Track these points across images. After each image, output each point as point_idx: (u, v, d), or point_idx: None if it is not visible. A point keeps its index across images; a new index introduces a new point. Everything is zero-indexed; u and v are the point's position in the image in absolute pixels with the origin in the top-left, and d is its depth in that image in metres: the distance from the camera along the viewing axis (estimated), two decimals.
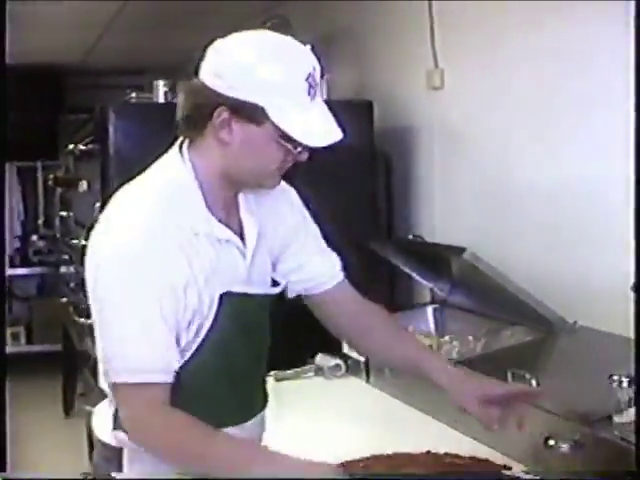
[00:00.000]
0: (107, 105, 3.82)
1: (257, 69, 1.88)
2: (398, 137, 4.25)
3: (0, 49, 3.21)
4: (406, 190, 4.25)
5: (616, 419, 2.13)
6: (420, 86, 4.00)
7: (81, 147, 4.32)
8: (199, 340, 2.01)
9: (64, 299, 5.69)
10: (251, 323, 2.13)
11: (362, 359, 3.53)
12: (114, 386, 1.99)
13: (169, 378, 1.96)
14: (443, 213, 3.99)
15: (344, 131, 2.00)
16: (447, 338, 3.07)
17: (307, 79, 1.93)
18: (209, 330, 2.00)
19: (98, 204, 3.95)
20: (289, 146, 1.96)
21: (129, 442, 2.04)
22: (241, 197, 2.13)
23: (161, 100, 4.06)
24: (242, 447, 2.01)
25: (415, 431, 2.77)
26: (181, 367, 1.99)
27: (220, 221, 2.04)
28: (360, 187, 4.13)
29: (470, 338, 3.00)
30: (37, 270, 8.81)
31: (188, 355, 2.01)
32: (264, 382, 2.32)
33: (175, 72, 8.11)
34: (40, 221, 8.93)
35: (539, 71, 3.25)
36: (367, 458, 2.48)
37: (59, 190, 6.32)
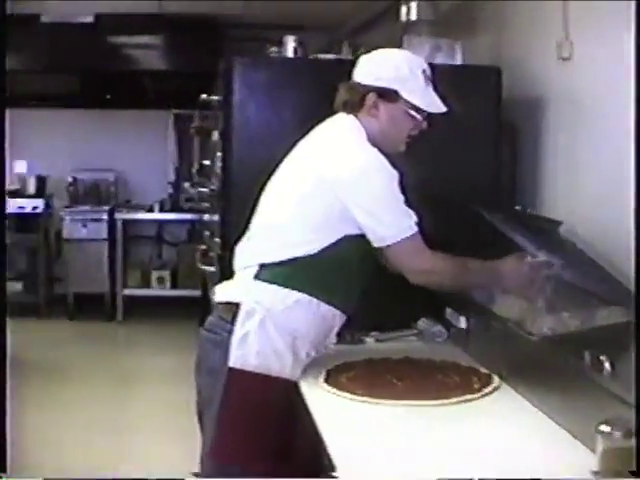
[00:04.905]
0: (233, 59, 3.85)
1: (392, 67, 3.01)
2: (526, 107, 4.17)
3: None
4: (531, 161, 4.18)
5: None
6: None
7: (213, 97, 4.38)
8: None
9: (203, 246, 5.81)
10: None
11: (464, 327, 3.52)
12: (390, 249, 2.93)
13: None
14: (565, 187, 3.91)
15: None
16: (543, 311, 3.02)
17: (422, 73, 3.03)
18: None
19: (219, 154, 4.02)
20: (416, 115, 3.02)
21: (260, 292, 2.96)
22: None
23: (290, 55, 4.10)
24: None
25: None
26: None
27: None
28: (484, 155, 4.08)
29: (565, 314, 2.95)
30: (187, 217, 8.97)
31: None
32: None
33: (334, 30, 8.15)
34: (194, 169, 9.00)
35: None
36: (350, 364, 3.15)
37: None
